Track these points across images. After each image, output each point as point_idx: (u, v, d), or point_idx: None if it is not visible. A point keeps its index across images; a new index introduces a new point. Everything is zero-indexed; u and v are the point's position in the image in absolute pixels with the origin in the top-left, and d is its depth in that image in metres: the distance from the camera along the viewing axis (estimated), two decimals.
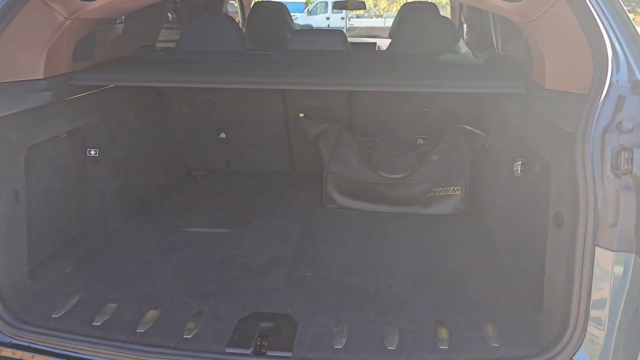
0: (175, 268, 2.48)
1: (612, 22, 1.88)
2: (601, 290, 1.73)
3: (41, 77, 2.32)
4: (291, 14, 5.48)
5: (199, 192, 3.50)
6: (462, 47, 3.40)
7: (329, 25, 23.74)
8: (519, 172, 2.46)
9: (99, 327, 2.01)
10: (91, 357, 1.93)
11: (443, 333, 1.98)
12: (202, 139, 3.76)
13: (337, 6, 8.12)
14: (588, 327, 1.75)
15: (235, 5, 6.40)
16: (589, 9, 1.86)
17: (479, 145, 3.09)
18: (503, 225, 2.64)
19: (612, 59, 1.78)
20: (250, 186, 3.58)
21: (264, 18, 4.97)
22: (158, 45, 3.80)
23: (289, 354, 1.89)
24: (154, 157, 3.41)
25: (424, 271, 2.47)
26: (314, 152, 3.39)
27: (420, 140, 3.51)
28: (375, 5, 25.99)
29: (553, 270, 1.91)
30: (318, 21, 23.55)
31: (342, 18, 24.41)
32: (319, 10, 24.96)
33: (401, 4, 4.92)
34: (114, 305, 2.15)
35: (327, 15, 24.27)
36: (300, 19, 23.00)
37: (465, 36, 4.67)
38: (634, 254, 1.70)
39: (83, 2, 2.28)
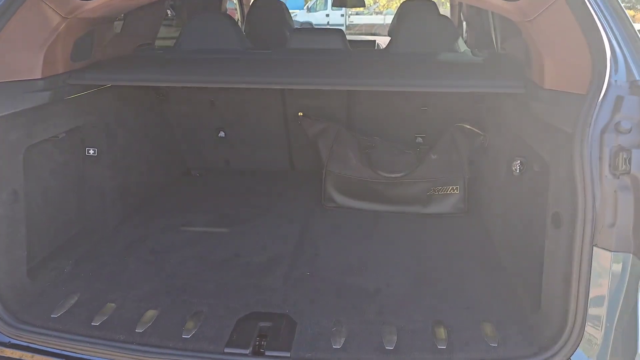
0: (175, 267, 2.48)
1: (610, 22, 1.88)
2: (599, 290, 1.73)
3: (39, 76, 2.31)
4: (291, 10, 5.47)
5: (198, 191, 3.50)
6: (461, 46, 3.40)
7: (328, 22, 23.70)
8: (518, 171, 2.46)
9: (98, 327, 2.01)
10: (90, 357, 1.93)
11: (441, 333, 1.98)
12: (201, 138, 3.76)
13: (336, 3, 8.10)
14: (586, 327, 1.75)
15: (235, 2, 6.39)
16: (588, 8, 1.86)
17: (478, 144, 3.09)
18: (502, 225, 2.65)
19: (610, 59, 1.78)
20: (250, 185, 3.58)
21: (263, 16, 4.96)
22: (157, 42, 3.80)
23: (288, 354, 1.89)
24: (153, 156, 3.41)
25: (422, 271, 2.47)
26: (313, 151, 3.39)
27: (420, 139, 3.51)
28: (374, 2, 25.93)
29: (551, 270, 1.91)
30: (318, 18, 23.50)
31: (342, 15, 24.36)
32: (318, 7, 24.91)
33: (401, 1, 4.90)
34: (113, 305, 2.15)
35: (326, 12, 24.22)
36: (300, 16, 22.96)
37: (464, 34, 4.67)
38: (631, 254, 1.70)
39: (81, 1, 2.27)
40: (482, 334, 1.98)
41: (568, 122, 1.85)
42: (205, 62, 2.99)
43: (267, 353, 1.90)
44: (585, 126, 1.72)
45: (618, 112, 1.72)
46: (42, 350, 1.96)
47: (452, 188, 3.11)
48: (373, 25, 23.04)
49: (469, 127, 3.11)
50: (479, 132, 3.07)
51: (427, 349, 1.90)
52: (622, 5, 1.94)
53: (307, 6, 24.95)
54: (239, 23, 6.17)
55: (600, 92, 1.73)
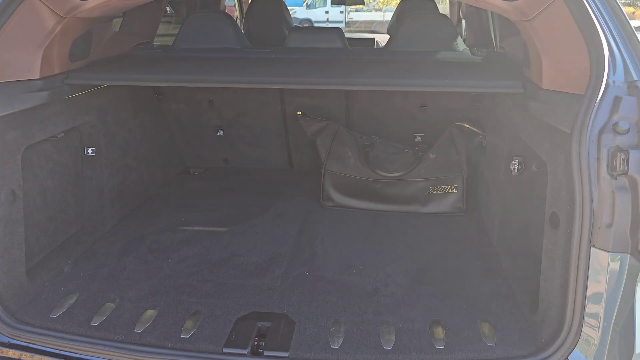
0: (173, 267, 2.49)
1: (609, 23, 1.88)
2: (596, 290, 1.74)
3: (37, 76, 2.31)
4: (290, 7, 5.46)
5: (197, 190, 3.50)
6: (460, 45, 3.40)
7: (327, 19, 23.66)
8: (516, 171, 2.46)
9: (97, 327, 2.02)
10: (89, 358, 1.93)
11: (439, 332, 1.99)
12: (200, 137, 3.76)
13: (335, 1, 8.09)
14: (583, 328, 1.76)
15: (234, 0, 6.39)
16: (586, 9, 1.86)
17: (477, 143, 3.09)
18: (500, 224, 2.65)
19: (608, 60, 1.78)
20: (248, 184, 3.58)
21: (262, 14, 4.95)
22: (156, 38, 3.80)
23: (286, 354, 1.89)
24: (152, 155, 3.41)
25: (421, 270, 2.47)
26: (311, 150, 3.39)
27: (418, 138, 3.51)
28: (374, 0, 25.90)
29: (549, 270, 1.92)
30: (317, 15, 23.46)
31: (341, 12, 24.32)
32: (318, 4, 24.85)
33: None
34: (112, 305, 2.16)
35: (326, 9, 24.17)
36: (299, 12, 22.91)
37: (463, 32, 4.67)
38: (629, 255, 1.70)
39: (79, 1, 2.26)
40: (480, 333, 1.98)
41: (566, 122, 1.85)
42: (203, 62, 2.99)
43: (265, 353, 1.91)
44: (583, 126, 1.72)
45: (616, 113, 1.72)
46: (41, 350, 1.96)
47: (451, 187, 3.11)
48: (372, 22, 23.01)
49: (467, 126, 3.11)
50: (478, 131, 3.07)
51: (425, 349, 1.91)
52: (621, 3, 1.94)
53: (307, 3, 24.89)
54: (238, 21, 6.17)
55: (598, 92, 1.73)
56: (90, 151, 2.76)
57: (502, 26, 3.28)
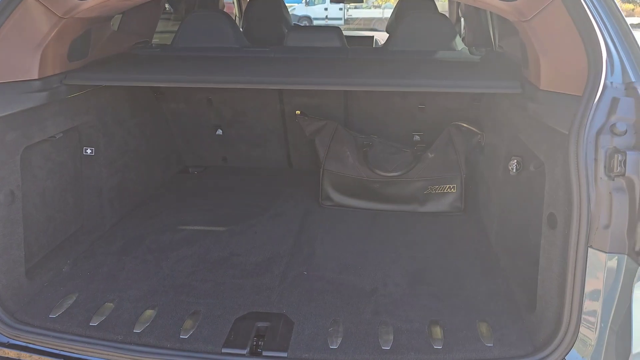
0: (172, 267, 2.49)
1: (607, 24, 1.89)
2: (593, 291, 1.75)
3: (36, 77, 2.31)
4: (289, 4, 5.46)
5: (195, 189, 3.51)
6: (459, 44, 3.40)
7: (327, 16, 23.65)
8: (514, 170, 2.47)
9: (96, 327, 2.02)
10: (88, 358, 1.94)
11: (437, 333, 2.00)
12: (198, 136, 3.76)
13: None
14: (580, 328, 1.76)
15: None
16: (585, 9, 1.86)
17: (475, 143, 3.09)
18: (498, 224, 2.66)
19: (606, 61, 1.78)
20: (247, 183, 3.59)
21: (261, 12, 4.95)
22: (155, 35, 3.79)
23: (285, 354, 1.90)
24: (151, 155, 3.41)
25: (419, 270, 2.48)
26: (310, 149, 3.39)
27: (417, 137, 3.52)
28: None
29: (546, 270, 1.93)
30: (316, 12, 23.44)
31: (340, 9, 24.31)
32: (317, 1, 24.83)
33: None
34: (111, 305, 2.16)
35: (325, 5, 24.15)
36: (298, 9, 22.89)
37: (462, 31, 4.66)
38: (626, 255, 1.71)
39: (78, 1, 2.26)
40: (478, 333, 1.99)
41: (564, 123, 1.85)
42: (202, 61, 2.99)
43: (264, 353, 1.91)
44: (580, 128, 1.72)
45: (613, 114, 1.72)
46: (40, 350, 1.97)
47: (449, 187, 3.12)
48: (372, 19, 23.00)
49: (466, 125, 3.12)
50: (476, 130, 3.08)
51: (423, 349, 1.91)
52: (620, 0, 1.95)
53: (306, 0, 24.87)
54: (237, 19, 6.16)
55: (596, 93, 1.74)
56: (89, 151, 2.76)
57: (501, 25, 3.28)
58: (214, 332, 2.01)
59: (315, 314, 2.13)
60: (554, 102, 2.03)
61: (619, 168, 1.68)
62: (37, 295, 2.22)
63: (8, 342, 1.99)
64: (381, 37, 6.08)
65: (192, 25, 3.37)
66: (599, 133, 1.71)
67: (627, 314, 1.73)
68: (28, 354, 1.97)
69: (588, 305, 1.76)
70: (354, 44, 4.33)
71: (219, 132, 3.70)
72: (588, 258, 1.73)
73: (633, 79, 1.79)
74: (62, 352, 1.96)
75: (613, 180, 1.70)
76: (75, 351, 1.95)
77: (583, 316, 1.76)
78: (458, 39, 3.42)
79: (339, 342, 1.95)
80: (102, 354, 1.93)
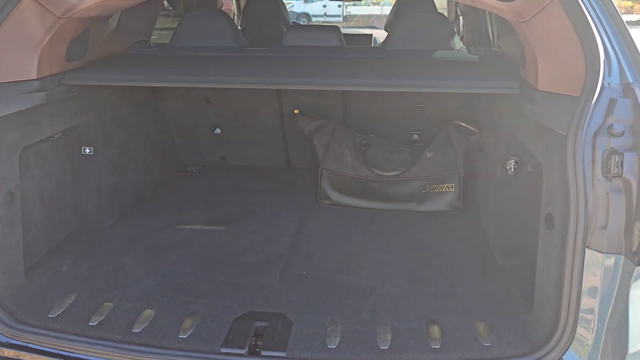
0: (171, 266, 2.50)
1: (605, 25, 1.89)
2: (591, 291, 1.76)
3: (34, 77, 2.30)
4: (287, 1, 5.44)
5: (194, 188, 3.51)
6: (457, 43, 3.40)
7: (325, 13, 23.59)
8: (512, 170, 2.48)
9: (95, 327, 2.03)
10: (88, 357, 1.95)
11: (435, 332, 2.00)
12: (197, 135, 3.76)
13: None
14: (577, 328, 1.77)
15: None
16: (583, 10, 1.86)
17: (473, 142, 3.10)
18: (496, 223, 2.66)
19: (604, 62, 1.79)
20: (246, 182, 3.59)
21: (259, 10, 4.94)
22: (153, 32, 3.79)
23: (283, 354, 1.91)
24: (149, 153, 3.41)
25: (417, 269, 2.49)
26: (309, 148, 3.39)
27: (415, 136, 3.52)
28: None
29: (544, 271, 1.93)
30: (314, 9, 23.39)
31: (339, 6, 24.23)
32: None
33: None
34: (110, 304, 2.17)
35: (323, 2, 24.07)
36: (297, 6, 22.81)
37: (461, 29, 4.66)
38: (623, 256, 1.72)
39: (76, 1, 2.26)
40: (475, 333, 2.00)
41: (561, 124, 1.86)
42: (200, 61, 2.99)
43: (263, 353, 1.92)
44: (578, 129, 1.73)
45: (611, 115, 1.73)
46: (40, 350, 1.98)
47: (448, 186, 3.12)
48: (370, 16, 22.94)
49: (464, 125, 3.12)
50: (475, 130, 3.08)
51: (421, 349, 1.92)
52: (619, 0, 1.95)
53: None
54: (235, 17, 6.15)
55: (594, 94, 1.74)
56: (87, 150, 2.76)
57: (500, 24, 3.28)
58: (213, 331, 2.01)
59: (313, 313, 2.13)
60: (552, 103, 2.04)
61: (616, 169, 1.68)
62: (36, 295, 2.22)
63: (7, 341, 2.00)
64: (379, 34, 6.09)
65: (190, 24, 3.36)
66: (596, 134, 1.72)
67: (624, 314, 1.74)
68: (27, 354, 1.98)
69: (585, 305, 1.76)
70: (352, 42, 4.33)
71: (218, 131, 3.70)
72: (585, 258, 1.74)
73: (630, 80, 1.79)
74: (61, 352, 1.96)
75: (610, 181, 1.70)
76: (75, 351, 1.95)
77: (580, 316, 1.77)
78: (456, 38, 3.42)
79: (338, 341, 1.96)
80: (101, 353, 1.94)
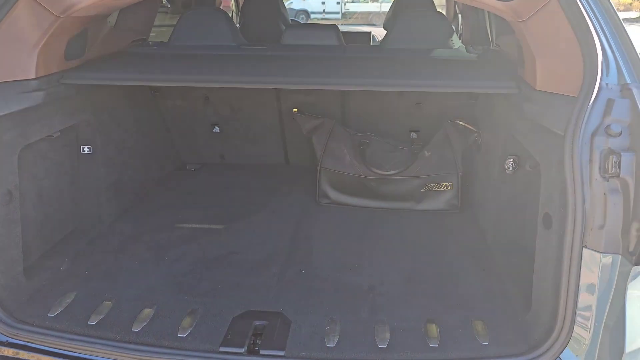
0: (170, 265, 2.50)
1: (603, 25, 1.89)
2: (588, 291, 1.76)
3: (33, 76, 2.30)
4: None
5: (193, 186, 3.52)
6: (456, 42, 3.40)
7: (324, 10, 23.55)
8: (510, 169, 2.48)
9: (95, 326, 2.03)
10: (87, 357, 1.95)
11: (434, 331, 2.01)
12: (196, 133, 3.76)
13: None
14: (574, 327, 1.78)
15: None
16: (581, 10, 1.87)
17: (472, 141, 3.10)
18: (494, 222, 2.67)
19: (602, 62, 1.79)
20: (244, 180, 3.60)
21: (258, 8, 4.94)
22: (152, 29, 3.78)
23: (282, 353, 1.92)
24: (148, 152, 3.41)
25: (416, 268, 2.50)
26: (307, 147, 3.40)
27: (414, 135, 3.53)
28: None
29: (542, 270, 1.94)
30: (313, 6, 23.35)
31: (338, 3, 24.21)
32: None
33: None
34: (109, 303, 2.17)
35: None
36: (295, 3, 22.78)
37: (460, 27, 4.66)
38: (620, 256, 1.73)
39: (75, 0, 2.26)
40: (473, 332, 2.01)
41: (559, 124, 1.86)
42: (199, 60, 2.99)
43: (262, 352, 1.93)
44: (576, 129, 1.73)
45: (608, 115, 1.73)
46: (39, 349, 1.98)
47: (446, 185, 3.13)
48: (369, 13, 22.92)
49: (462, 124, 3.13)
50: (473, 129, 3.09)
51: (420, 348, 1.93)
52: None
53: None
54: (234, 15, 6.14)
55: (592, 94, 1.75)
56: (86, 149, 2.76)
57: (498, 23, 3.28)
58: (212, 330, 2.02)
59: (312, 312, 2.14)
60: (550, 103, 2.04)
61: (613, 169, 1.69)
62: (35, 294, 2.23)
63: (7, 341, 2.00)
64: (378, 32, 6.08)
65: (189, 23, 3.36)
66: (594, 134, 1.72)
67: (621, 313, 1.75)
68: (27, 353, 1.98)
69: (582, 304, 1.77)
70: (350, 40, 4.33)
71: (216, 129, 3.70)
72: (583, 258, 1.75)
73: (628, 81, 1.80)
74: (60, 351, 1.96)
75: (608, 181, 1.71)
76: (74, 350, 1.96)
77: (578, 315, 1.78)
78: (455, 37, 3.42)
79: (336, 340, 1.97)
80: (100, 352, 1.94)
